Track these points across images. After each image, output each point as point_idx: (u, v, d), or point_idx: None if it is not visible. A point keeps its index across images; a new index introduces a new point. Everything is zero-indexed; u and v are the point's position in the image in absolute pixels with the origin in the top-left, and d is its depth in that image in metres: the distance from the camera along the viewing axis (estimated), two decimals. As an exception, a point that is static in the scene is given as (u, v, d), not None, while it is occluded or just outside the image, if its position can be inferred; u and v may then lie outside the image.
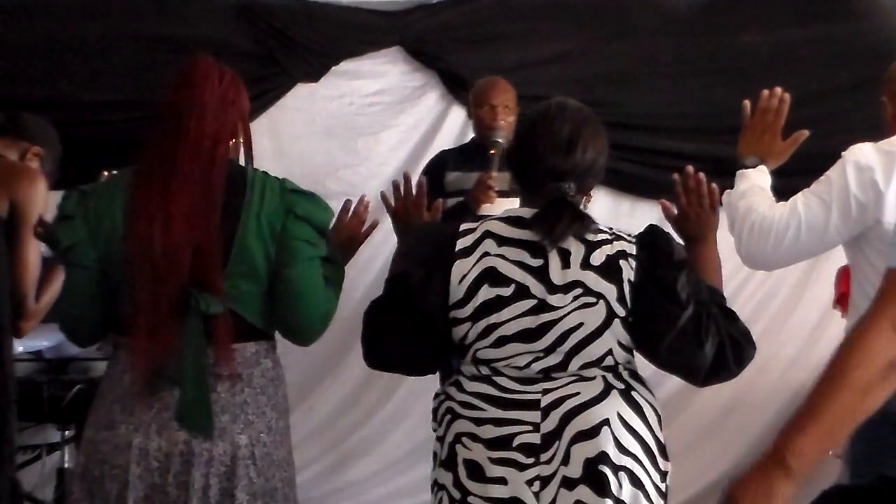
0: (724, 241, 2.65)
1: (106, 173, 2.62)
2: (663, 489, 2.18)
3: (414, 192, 2.49)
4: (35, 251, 2.94)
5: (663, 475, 2.18)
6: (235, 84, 2.32)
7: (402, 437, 4.52)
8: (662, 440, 2.19)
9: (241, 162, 2.33)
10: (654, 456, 2.16)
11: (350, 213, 2.48)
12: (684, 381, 2.30)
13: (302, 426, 4.45)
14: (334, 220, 2.43)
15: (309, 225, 2.24)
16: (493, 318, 2.13)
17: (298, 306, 2.25)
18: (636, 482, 2.12)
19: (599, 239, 2.17)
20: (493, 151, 3.87)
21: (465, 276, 2.14)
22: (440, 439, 2.20)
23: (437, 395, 2.26)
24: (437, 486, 2.19)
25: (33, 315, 2.98)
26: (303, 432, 4.46)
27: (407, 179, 2.49)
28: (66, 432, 3.79)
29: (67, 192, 2.33)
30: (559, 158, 2.17)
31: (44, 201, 2.94)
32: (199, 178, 2.19)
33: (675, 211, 2.41)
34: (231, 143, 2.29)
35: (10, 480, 2.83)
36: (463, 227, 2.20)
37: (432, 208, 2.51)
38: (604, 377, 2.16)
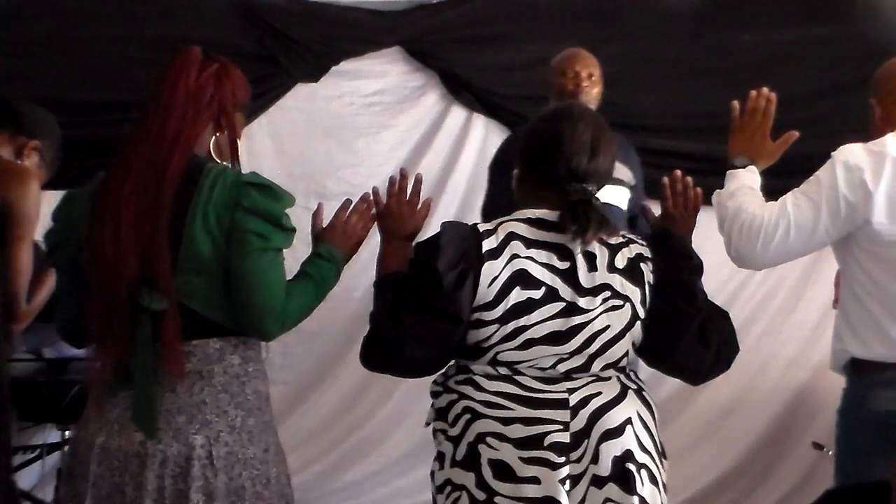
0: (719, 242, 2.67)
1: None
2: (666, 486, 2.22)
3: (409, 189, 2.45)
4: (27, 252, 2.94)
5: (665, 473, 2.21)
6: (220, 76, 2.28)
7: (403, 437, 4.51)
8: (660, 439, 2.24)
9: (224, 157, 2.31)
10: (661, 454, 2.21)
11: (349, 211, 2.42)
12: (683, 381, 2.33)
13: (301, 427, 4.46)
14: (332, 216, 2.40)
15: (258, 217, 2.18)
16: (523, 321, 2.14)
17: (249, 299, 2.20)
18: (653, 479, 2.16)
19: (617, 242, 2.20)
20: None
21: (495, 279, 2.14)
22: (454, 439, 2.17)
23: (439, 394, 2.24)
24: (451, 485, 2.17)
25: (24, 317, 2.98)
26: (302, 433, 4.46)
27: (403, 176, 2.44)
28: (66, 432, 3.79)
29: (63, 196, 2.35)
30: (584, 160, 2.19)
31: (36, 201, 2.94)
32: (152, 179, 2.18)
33: (661, 212, 2.45)
34: (213, 138, 2.27)
35: (6, 483, 2.83)
36: (482, 227, 2.20)
37: (422, 207, 2.44)
38: (618, 377, 2.19)
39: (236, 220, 2.17)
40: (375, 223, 2.42)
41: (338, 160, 4.55)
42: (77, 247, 2.24)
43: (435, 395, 2.26)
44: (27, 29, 4.28)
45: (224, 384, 2.23)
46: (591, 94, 3.72)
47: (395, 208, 2.40)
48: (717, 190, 2.64)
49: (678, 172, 2.49)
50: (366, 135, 4.60)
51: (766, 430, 4.68)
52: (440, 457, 2.21)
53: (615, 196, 3.38)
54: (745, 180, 2.61)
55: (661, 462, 2.20)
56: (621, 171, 3.55)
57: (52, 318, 2.44)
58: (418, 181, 2.43)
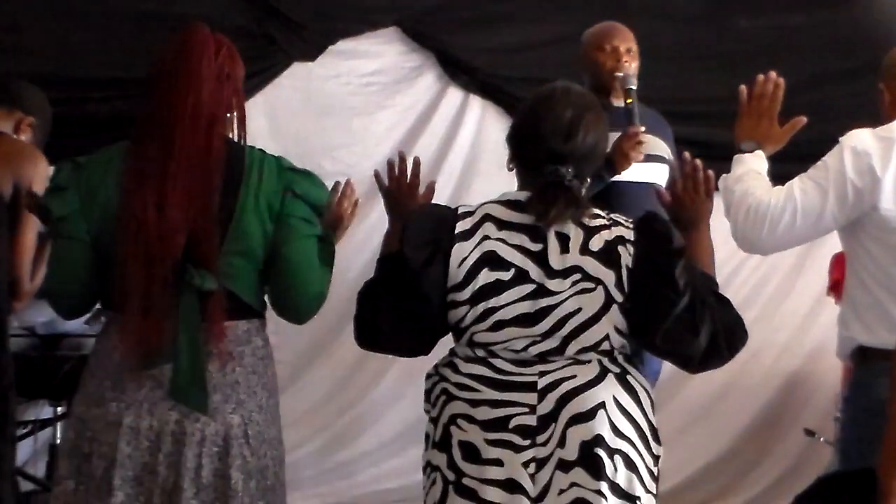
0: (718, 227, 2.66)
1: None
2: (655, 473, 2.19)
3: (409, 172, 2.47)
4: (32, 232, 2.94)
5: (656, 459, 2.19)
6: (231, 55, 2.30)
7: (395, 417, 4.52)
8: (655, 424, 2.20)
9: (234, 135, 2.30)
10: (648, 440, 2.17)
11: (338, 196, 2.46)
12: (677, 367, 2.31)
13: (294, 406, 4.45)
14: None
15: (306, 203, 2.24)
16: (492, 302, 2.14)
17: (295, 284, 2.24)
18: (631, 465, 2.12)
19: (597, 224, 2.17)
20: (630, 101, 3.33)
21: (464, 260, 2.14)
22: (434, 420, 2.20)
23: (429, 376, 2.25)
24: (430, 467, 2.19)
25: (27, 294, 2.99)
26: (295, 412, 4.45)
27: (402, 159, 2.46)
28: (59, 408, 3.79)
29: (61, 163, 2.31)
30: (560, 141, 2.17)
31: (45, 183, 2.93)
32: (197, 157, 2.18)
33: (670, 197, 2.41)
34: (226, 117, 2.27)
35: (8, 457, 2.85)
36: (462, 209, 2.21)
37: (426, 189, 2.48)
38: (599, 361, 2.16)
39: (286, 206, 2.21)
40: (383, 202, 2.46)
41: (333, 140, 4.54)
42: (96, 219, 2.21)
43: (427, 377, 2.28)
44: (23, 5, 4.25)
45: (252, 365, 2.25)
46: (632, 68, 3.50)
47: (396, 191, 2.44)
48: (724, 174, 2.63)
49: (687, 154, 2.44)
50: (362, 115, 4.59)
51: (758, 417, 4.70)
52: (426, 438, 2.24)
53: (654, 174, 3.31)
54: (752, 165, 2.60)
55: (648, 448, 2.16)
56: (662, 147, 3.50)
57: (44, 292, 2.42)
58: (416, 163, 2.45)
